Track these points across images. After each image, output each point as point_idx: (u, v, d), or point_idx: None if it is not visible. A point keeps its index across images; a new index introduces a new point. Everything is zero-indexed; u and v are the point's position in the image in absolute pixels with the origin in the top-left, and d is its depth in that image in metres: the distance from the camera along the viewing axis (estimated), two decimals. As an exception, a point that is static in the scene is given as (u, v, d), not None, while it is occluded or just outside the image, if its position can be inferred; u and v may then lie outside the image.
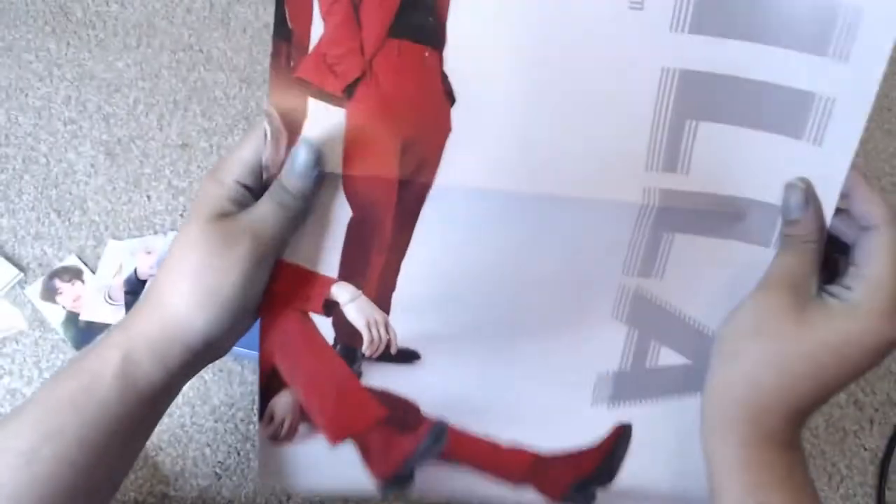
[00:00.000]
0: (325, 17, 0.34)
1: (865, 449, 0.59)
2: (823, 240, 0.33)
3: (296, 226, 0.36)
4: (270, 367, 0.40)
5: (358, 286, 0.38)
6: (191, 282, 0.33)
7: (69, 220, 0.68)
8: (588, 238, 0.37)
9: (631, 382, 0.40)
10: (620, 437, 0.40)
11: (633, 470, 0.41)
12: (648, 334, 0.39)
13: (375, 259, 0.38)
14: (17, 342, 0.64)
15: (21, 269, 0.66)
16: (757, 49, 0.33)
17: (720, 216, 0.36)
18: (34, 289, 0.65)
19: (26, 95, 0.73)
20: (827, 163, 0.33)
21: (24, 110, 0.72)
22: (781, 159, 0.34)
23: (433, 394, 0.40)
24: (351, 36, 0.34)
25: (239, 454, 0.59)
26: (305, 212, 0.36)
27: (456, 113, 0.35)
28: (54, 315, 0.64)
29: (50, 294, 0.65)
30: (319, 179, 0.35)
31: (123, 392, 0.33)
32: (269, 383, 0.40)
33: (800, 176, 0.34)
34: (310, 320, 0.39)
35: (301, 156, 0.34)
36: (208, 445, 0.59)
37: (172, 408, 0.61)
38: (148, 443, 0.59)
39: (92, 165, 0.70)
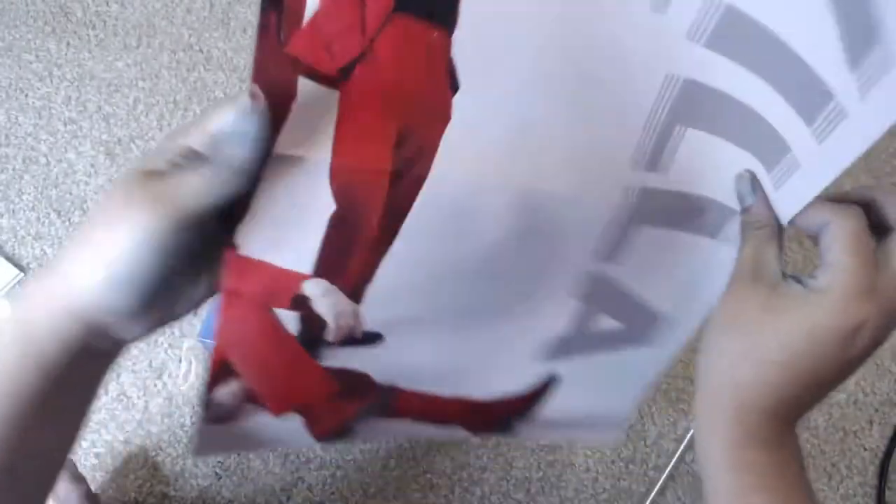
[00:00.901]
0: None
1: (865, 449, 0.59)
2: (775, 226, 0.34)
3: (226, 200, 0.30)
4: (222, 359, 0.36)
5: (333, 281, 0.35)
6: (92, 249, 0.28)
7: (69, 220, 0.68)
8: (567, 232, 0.37)
9: (569, 344, 0.42)
10: (548, 384, 0.43)
11: (554, 404, 0.44)
12: (596, 307, 0.41)
13: (356, 256, 0.35)
14: (17, 342, 0.64)
15: (21, 269, 0.66)
16: (758, 82, 0.33)
17: (684, 211, 0.37)
18: (34, 289, 0.65)
19: (26, 95, 0.73)
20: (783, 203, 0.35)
21: (25, 110, 0.72)
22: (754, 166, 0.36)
23: (387, 366, 0.40)
24: (352, 9, 0.29)
25: (239, 454, 0.59)
26: (243, 188, 0.30)
27: (458, 101, 0.32)
28: (54, 315, 0.64)
29: (50, 294, 0.65)
30: (260, 152, 0.30)
31: (24, 366, 0.29)
32: (218, 373, 0.37)
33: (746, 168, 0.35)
34: (272, 313, 0.35)
35: (239, 121, 0.29)
36: (208, 445, 0.60)
37: (172, 408, 0.61)
38: (148, 442, 0.60)
39: (92, 165, 0.70)
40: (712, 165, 0.36)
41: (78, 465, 0.57)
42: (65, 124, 0.72)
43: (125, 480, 0.60)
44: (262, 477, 0.59)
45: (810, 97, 0.32)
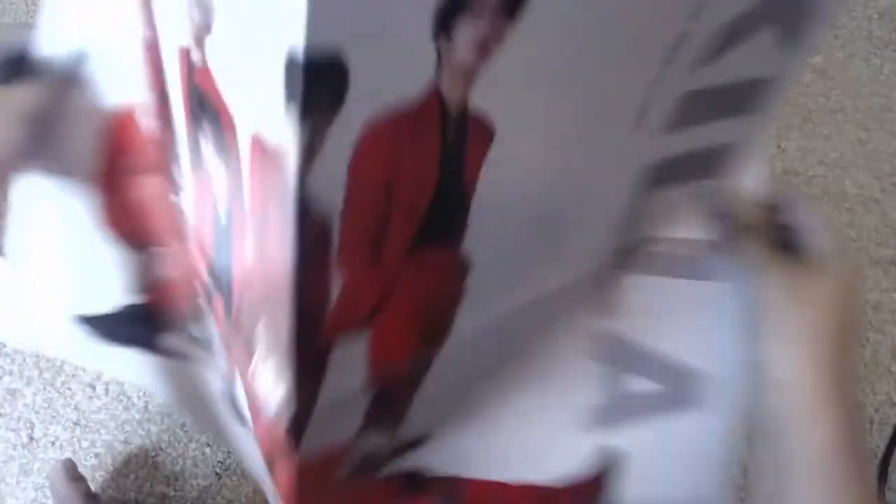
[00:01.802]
0: (343, 273, 0.30)
1: (865, 449, 0.59)
2: (754, 221, 0.39)
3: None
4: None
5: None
6: None
7: (69, 219, 0.68)
8: (556, 291, 0.40)
9: (612, 412, 0.43)
10: (610, 463, 0.43)
11: (632, 490, 0.43)
12: (618, 367, 0.43)
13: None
14: (17, 342, 0.64)
15: (21, 269, 0.65)
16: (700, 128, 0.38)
17: (664, 256, 0.42)
18: (34, 289, 0.65)
19: (26, 95, 0.73)
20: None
21: (24, 110, 0.73)
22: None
23: (441, 458, 0.42)
24: (370, 281, 0.32)
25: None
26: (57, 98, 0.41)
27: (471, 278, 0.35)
28: (54, 315, 0.64)
29: (50, 294, 0.65)
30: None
31: None
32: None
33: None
34: None
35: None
36: (208, 445, 0.60)
37: (172, 408, 0.61)
38: (148, 442, 0.60)
39: (92, 165, 0.70)
40: (675, 208, 0.40)
41: (78, 465, 0.57)
42: (64, 124, 0.72)
43: (125, 480, 0.60)
44: (262, 477, 0.59)
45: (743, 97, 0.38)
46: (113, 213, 0.44)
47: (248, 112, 0.28)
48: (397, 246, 0.31)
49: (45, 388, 0.63)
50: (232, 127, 0.29)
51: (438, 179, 0.30)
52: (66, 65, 0.41)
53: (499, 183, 0.32)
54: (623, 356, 0.43)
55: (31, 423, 0.62)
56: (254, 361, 0.36)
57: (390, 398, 0.39)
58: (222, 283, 0.38)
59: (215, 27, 0.29)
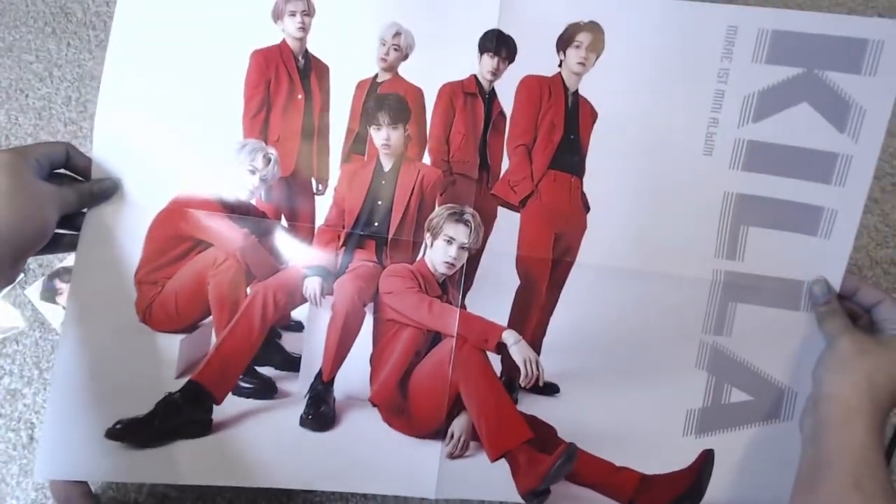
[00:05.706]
0: (510, 156, 0.56)
1: (865, 449, 0.59)
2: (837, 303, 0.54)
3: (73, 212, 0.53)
4: (456, 393, 0.55)
5: (520, 332, 0.55)
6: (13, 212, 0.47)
7: (69, 220, 0.68)
8: (675, 301, 0.55)
9: (711, 416, 0.55)
10: (706, 461, 0.55)
11: (717, 486, 0.54)
12: (723, 379, 0.55)
13: (533, 314, 0.56)
14: (17, 342, 0.64)
15: (22, 269, 0.66)
16: (785, 181, 0.54)
17: (764, 290, 0.55)
18: (34, 289, 0.65)
19: (27, 96, 0.73)
20: (833, 251, 0.54)
21: (25, 111, 0.73)
22: (803, 250, 0.54)
23: (568, 421, 0.55)
24: (525, 169, 0.56)
25: (239, 454, 0.59)
26: (82, 207, 0.54)
27: (590, 217, 0.56)
28: (54, 315, 0.64)
29: (50, 294, 0.65)
30: (106, 198, 0.54)
31: None
32: (453, 408, 0.55)
33: (819, 275, 0.54)
34: (486, 358, 0.55)
35: (111, 186, 0.54)
36: (208, 446, 0.59)
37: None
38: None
39: (92, 166, 0.70)
40: (776, 251, 0.54)
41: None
42: (65, 125, 0.72)
43: (125, 481, 0.60)
44: (262, 477, 0.58)
45: (823, 165, 0.53)
46: (157, 303, 0.51)
47: None
48: (540, 158, 0.57)
49: (45, 388, 0.63)
50: None
51: (564, 129, 0.57)
52: (104, 184, 0.54)
53: (605, 148, 0.55)
54: (726, 367, 0.55)
55: (32, 423, 0.62)
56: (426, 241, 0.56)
57: (531, 297, 0.56)
58: None
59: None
